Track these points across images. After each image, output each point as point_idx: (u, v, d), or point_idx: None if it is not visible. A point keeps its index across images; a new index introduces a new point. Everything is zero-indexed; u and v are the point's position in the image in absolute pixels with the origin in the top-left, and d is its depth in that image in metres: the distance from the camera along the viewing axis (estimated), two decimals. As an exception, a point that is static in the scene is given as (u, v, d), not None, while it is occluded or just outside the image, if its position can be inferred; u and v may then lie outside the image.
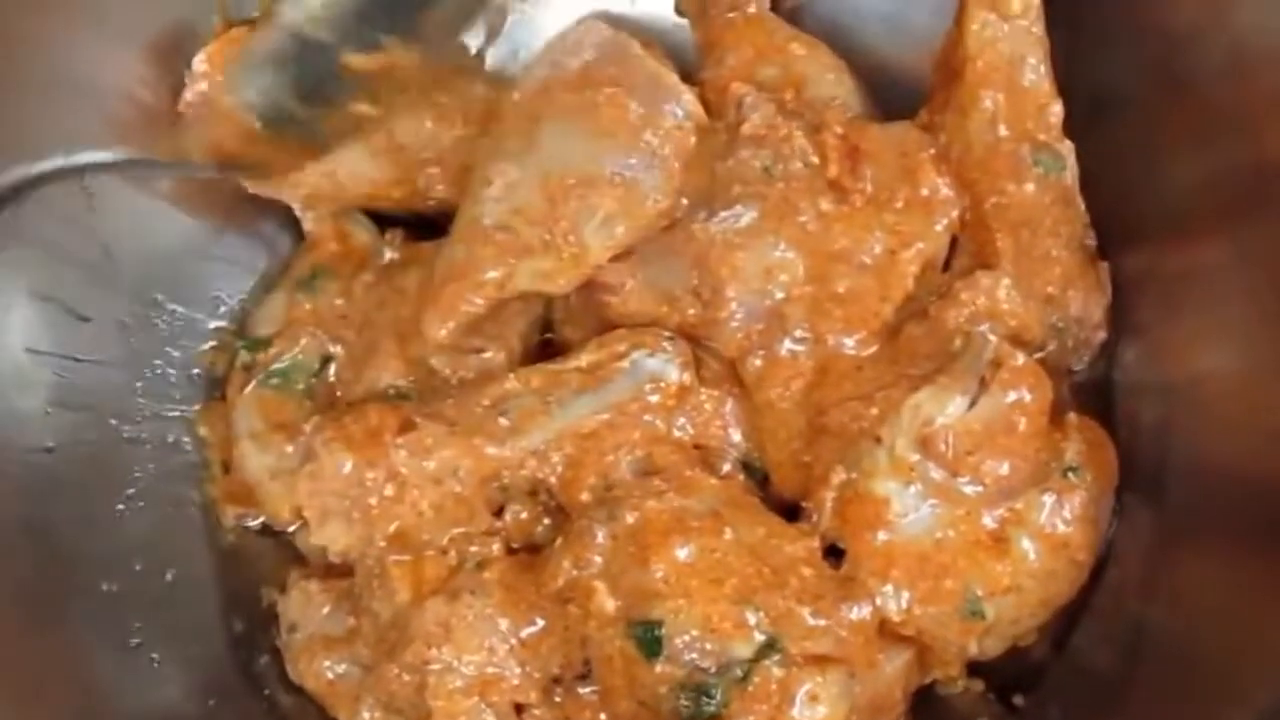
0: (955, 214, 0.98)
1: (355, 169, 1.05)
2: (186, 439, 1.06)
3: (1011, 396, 0.91)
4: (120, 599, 0.97)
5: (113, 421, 1.02)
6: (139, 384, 1.04)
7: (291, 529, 1.03)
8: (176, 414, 1.06)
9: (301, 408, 1.03)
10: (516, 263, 0.96)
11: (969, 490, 0.91)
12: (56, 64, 0.96)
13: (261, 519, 1.04)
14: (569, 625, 0.91)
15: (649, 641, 0.88)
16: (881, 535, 0.91)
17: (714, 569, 0.89)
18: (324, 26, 0.97)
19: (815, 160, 0.98)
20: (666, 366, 0.97)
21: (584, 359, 0.98)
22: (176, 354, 1.06)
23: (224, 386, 1.07)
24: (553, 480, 0.97)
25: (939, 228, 0.98)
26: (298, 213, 1.08)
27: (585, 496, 0.95)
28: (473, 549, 0.95)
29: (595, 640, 0.90)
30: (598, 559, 0.91)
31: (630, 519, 0.91)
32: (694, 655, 0.88)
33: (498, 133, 1.01)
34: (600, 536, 0.91)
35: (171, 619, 0.98)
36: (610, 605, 0.90)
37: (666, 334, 0.98)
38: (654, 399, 0.97)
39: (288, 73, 0.99)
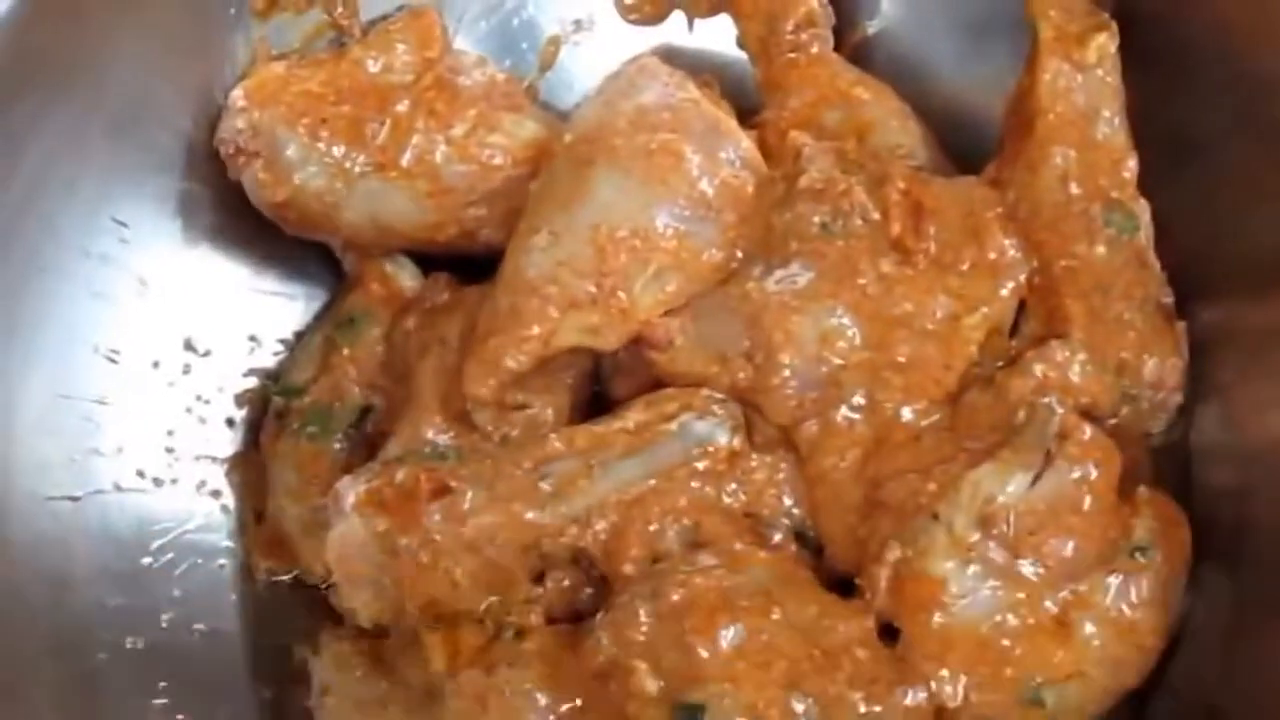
0: (1023, 277, 0.94)
1: (399, 212, 1.01)
2: (219, 486, 1.02)
3: (1078, 472, 0.87)
4: (147, 655, 0.93)
5: (141, 468, 0.98)
6: (170, 429, 1.00)
7: (325, 585, 0.99)
8: (209, 460, 1.02)
9: (338, 460, 1.00)
10: (562, 317, 0.92)
11: (1030, 572, 0.87)
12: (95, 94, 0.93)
13: (295, 573, 1.01)
14: (610, 703, 0.88)
15: None
16: (938, 617, 0.87)
17: (762, 651, 0.85)
18: None
19: (876, 217, 0.94)
20: (716, 430, 0.93)
21: (631, 420, 0.94)
22: (210, 397, 1.03)
23: (258, 433, 1.03)
24: (595, 549, 0.93)
25: (1005, 292, 0.94)
26: (338, 254, 1.05)
27: (629, 569, 0.91)
28: (510, 618, 0.91)
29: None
30: (640, 637, 0.87)
31: (675, 596, 0.87)
32: None
33: (547, 177, 0.97)
34: (643, 614, 0.87)
35: (200, 677, 0.95)
36: (652, 686, 0.86)
37: (718, 396, 0.94)
38: (703, 464, 0.93)
39: None
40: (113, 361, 0.97)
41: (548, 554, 0.93)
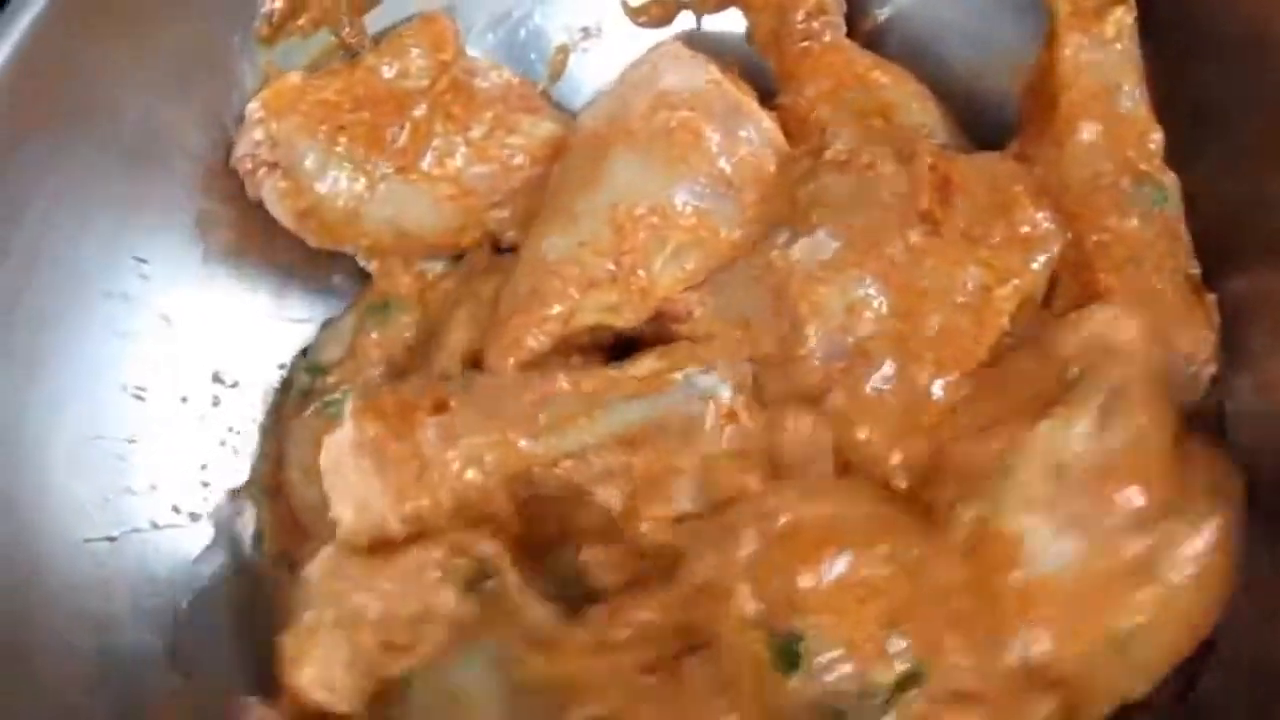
0: (1056, 249, 0.93)
1: (421, 218, 1.01)
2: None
3: (1141, 420, 0.86)
4: (194, 693, 0.92)
5: (177, 504, 0.97)
6: (204, 463, 0.99)
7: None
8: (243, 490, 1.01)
9: None
10: (581, 297, 0.92)
11: (1106, 523, 0.86)
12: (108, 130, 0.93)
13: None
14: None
15: (788, 654, 0.83)
16: (1020, 573, 0.85)
17: (864, 586, 0.84)
18: None
19: (903, 189, 0.93)
20: (720, 386, 0.92)
21: (643, 367, 0.93)
22: (241, 429, 1.02)
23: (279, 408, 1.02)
24: (590, 485, 0.91)
25: (1037, 265, 0.93)
26: (362, 264, 1.04)
27: (646, 528, 0.91)
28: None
29: (730, 641, 0.85)
30: (743, 559, 0.86)
31: (784, 519, 0.86)
32: (833, 676, 0.82)
33: (566, 163, 0.97)
34: (749, 536, 0.86)
35: (249, 713, 0.94)
36: (751, 609, 0.84)
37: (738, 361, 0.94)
38: (708, 420, 0.92)
39: None
40: (140, 399, 0.96)
41: (537, 483, 0.91)
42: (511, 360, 0.92)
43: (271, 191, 0.99)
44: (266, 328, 1.04)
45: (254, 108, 0.99)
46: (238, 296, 1.03)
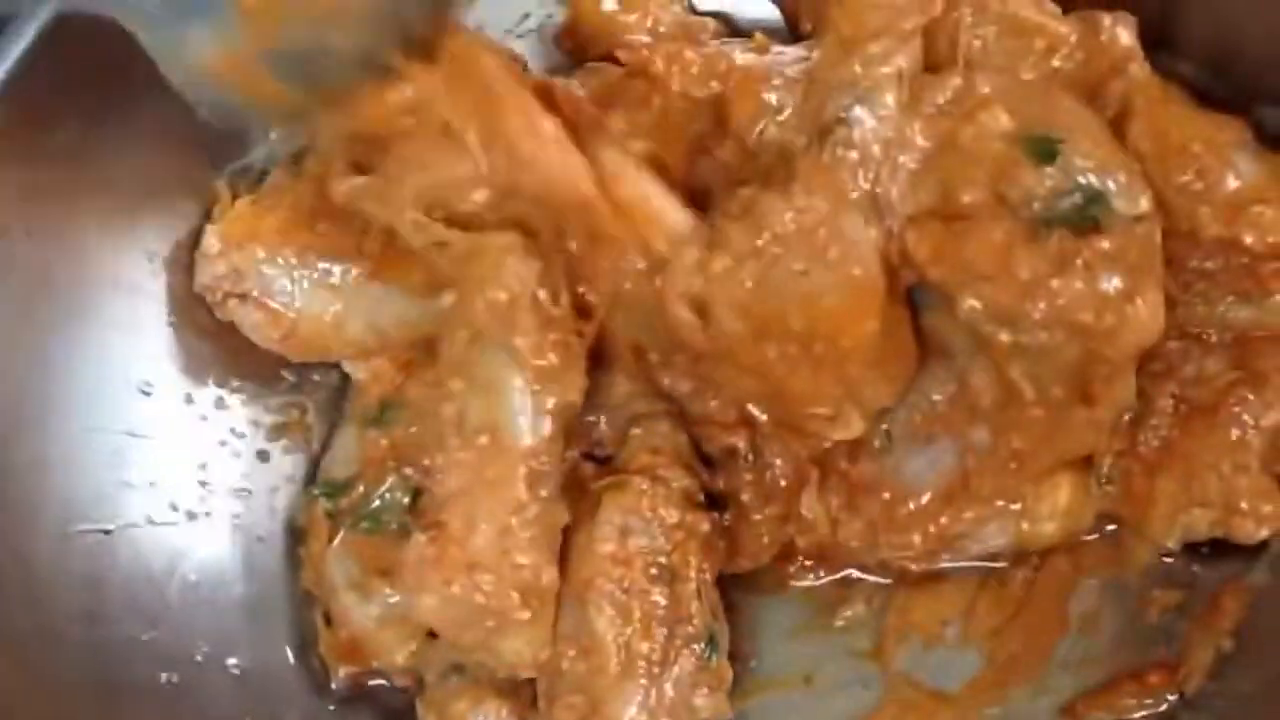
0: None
1: (401, 316, 0.99)
2: (253, 520, 1.00)
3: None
4: (181, 691, 0.91)
5: (174, 501, 0.97)
6: (203, 462, 0.99)
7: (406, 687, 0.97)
8: (244, 494, 1.00)
9: (399, 547, 0.93)
10: None
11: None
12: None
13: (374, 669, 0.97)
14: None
15: (1044, 151, 0.84)
16: None
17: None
18: None
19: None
20: None
21: None
22: (244, 431, 1.01)
23: (304, 540, 1.00)
24: None
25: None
26: (346, 368, 1.03)
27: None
28: None
29: (967, 150, 0.86)
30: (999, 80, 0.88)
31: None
32: (1088, 180, 0.84)
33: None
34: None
35: (234, 714, 0.94)
36: (1004, 120, 0.86)
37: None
38: None
39: None
40: (145, 394, 0.96)
41: None
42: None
43: (246, 322, 0.98)
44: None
45: (211, 242, 0.98)
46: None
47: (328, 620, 0.97)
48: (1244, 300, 0.90)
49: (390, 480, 0.96)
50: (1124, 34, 0.92)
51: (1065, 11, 0.93)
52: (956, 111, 0.87)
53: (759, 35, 0.98)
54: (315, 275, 0.97)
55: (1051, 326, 0.84)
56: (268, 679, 0.96)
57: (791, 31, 1.04)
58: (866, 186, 0.87)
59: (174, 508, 0.97)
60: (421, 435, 0.96)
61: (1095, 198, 0.83)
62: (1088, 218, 0.83)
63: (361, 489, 0.98)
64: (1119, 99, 0.91)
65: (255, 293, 0.97)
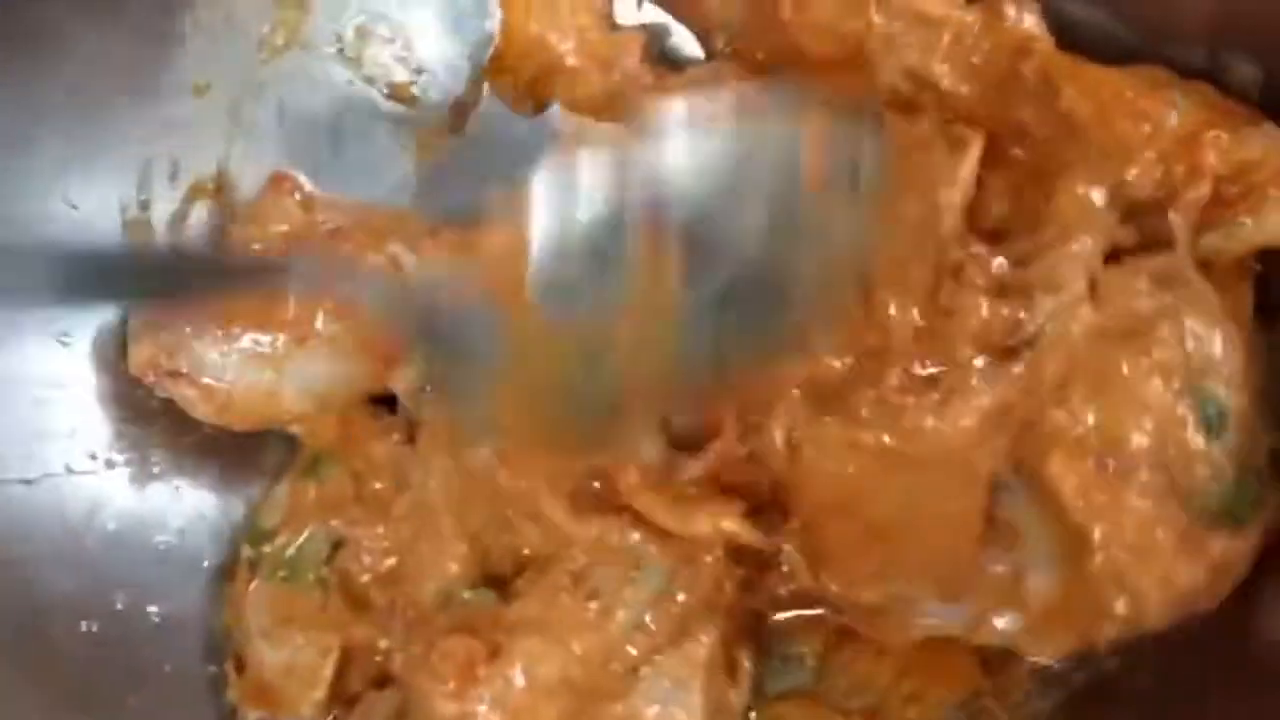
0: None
1: (332, 379, 0.99)
2: (170, 470, 1.01)
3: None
4: (101, 640, 0.93)
5: (93, 450, 0.98)
6: (122, 414, 1.00)
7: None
8: (161, 448, 1.01)
9: (312, 599, 0.97)
10: None
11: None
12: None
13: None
14: None
15: (1214, 415, 0.82)
16: None
17: None
18: None
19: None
20: None
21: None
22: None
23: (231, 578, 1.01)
24: None
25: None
26: (292, 432, 1.03)
27: None
28: None
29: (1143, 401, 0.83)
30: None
31: None
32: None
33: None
34: None
35: (155, 662, 0.96)
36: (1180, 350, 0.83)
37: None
38: None
39: None
40: (64, 345, 0.97)
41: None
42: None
43: (182, 399, 0.98)
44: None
45: (135, 324, 0.98)
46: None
47: (239, 667, 0.98)
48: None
49: (310, 531, 0.99)
50: (1028, 18, 0.93)
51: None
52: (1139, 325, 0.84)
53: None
54: (243, 347, 0.97)
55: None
56: (187, 626, 0.98)
57: (704, 48, 1.05)
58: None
59: (93, 457, 0.97)
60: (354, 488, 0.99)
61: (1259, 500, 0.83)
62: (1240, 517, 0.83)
63: (283, 538, 1.00)
64: (1035, 75, 0.92)
65: (185, 369, 0.97)
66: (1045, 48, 0.93)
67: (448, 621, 0.90)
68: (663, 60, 1.05)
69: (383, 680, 0.96)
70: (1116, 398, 0.83)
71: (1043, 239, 0.87)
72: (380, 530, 0.98)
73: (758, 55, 1.00)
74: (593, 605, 0.89)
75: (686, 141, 0.81)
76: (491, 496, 0.93)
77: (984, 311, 0.85)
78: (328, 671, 0.95)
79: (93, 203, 0.97)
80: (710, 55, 1.04)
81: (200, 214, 1.02)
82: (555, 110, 1.00)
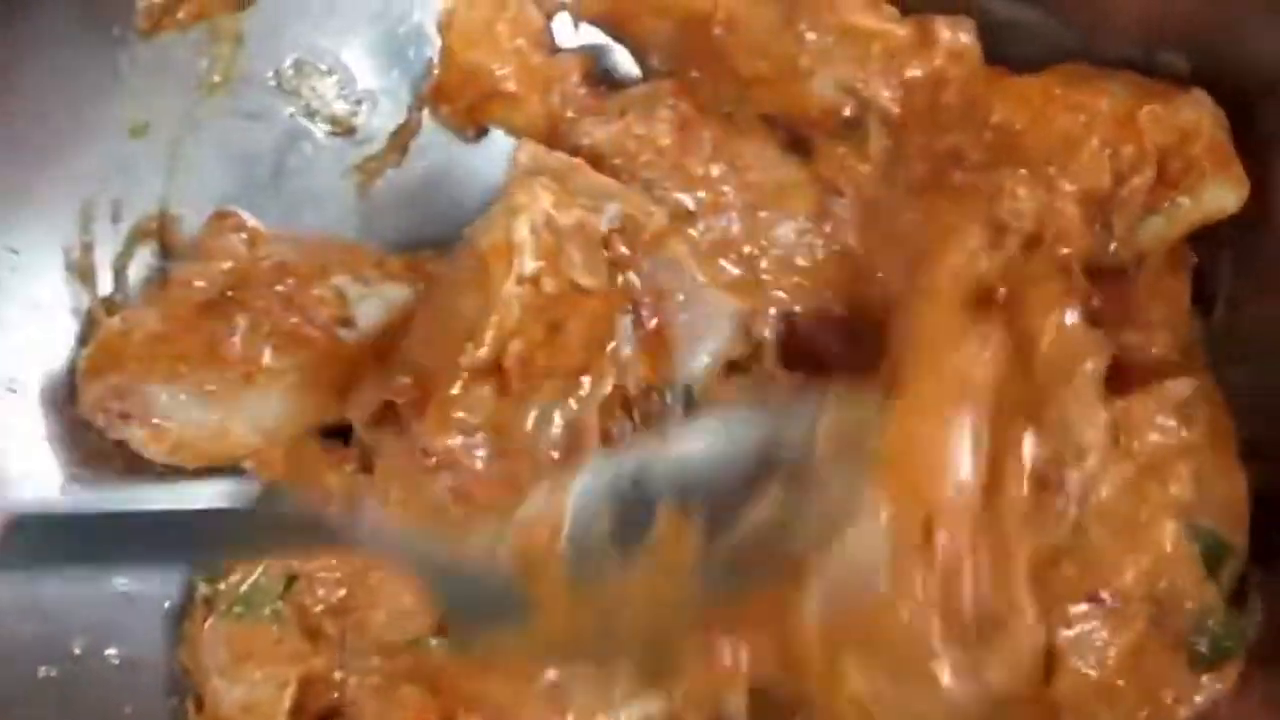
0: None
1: (279, 414, 0.99)
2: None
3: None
4: (61, 685, 0.93)
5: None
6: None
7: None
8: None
9: (269, 633, 0.98)
10: None
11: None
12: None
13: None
14: None
15: (1216, 554, 0.85)
16: None
17: None
18: None
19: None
20: None
21: None
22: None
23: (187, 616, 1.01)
24: None
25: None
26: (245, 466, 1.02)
27: None
28: None
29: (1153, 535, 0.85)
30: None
31: None
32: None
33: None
34: None
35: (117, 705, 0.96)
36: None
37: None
38: None
39: None
40: (12, 391, 0.97)
41: None
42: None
43: (134, 441, 0.98)
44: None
45: (84, 367, 0.98)
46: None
47: (198, 705, 0.98)
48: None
49: (264, 565, 0.99)
50: (964, 36, 0.94)
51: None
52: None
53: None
54: (190, 387, 0.97)
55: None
56: (147, 668, 0.98)
57: (641, 68, 1.06)
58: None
59: (45, 501, 0.97)
60: None
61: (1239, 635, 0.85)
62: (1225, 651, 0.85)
63: (238, 575, 0.99)
64: (959, 100, 0.93)
65: (135, 411, 0.97)
66: (963, 73, 0.94)
67: (409, 665, 0.91)
68: (602, 80, 1.06)
69: (336, 712, 0.97)
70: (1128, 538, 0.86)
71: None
72: (333, 561, 0.98)
73: (692, 74, 1.00)
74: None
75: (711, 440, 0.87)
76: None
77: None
78: (285, 704, 0.96)
79: (35, 247, 0.97)
80: (647, 75, 1.05)
81: (144, 256, 1.02)
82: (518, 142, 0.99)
